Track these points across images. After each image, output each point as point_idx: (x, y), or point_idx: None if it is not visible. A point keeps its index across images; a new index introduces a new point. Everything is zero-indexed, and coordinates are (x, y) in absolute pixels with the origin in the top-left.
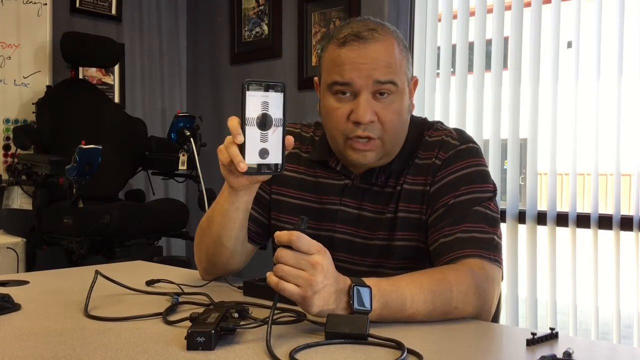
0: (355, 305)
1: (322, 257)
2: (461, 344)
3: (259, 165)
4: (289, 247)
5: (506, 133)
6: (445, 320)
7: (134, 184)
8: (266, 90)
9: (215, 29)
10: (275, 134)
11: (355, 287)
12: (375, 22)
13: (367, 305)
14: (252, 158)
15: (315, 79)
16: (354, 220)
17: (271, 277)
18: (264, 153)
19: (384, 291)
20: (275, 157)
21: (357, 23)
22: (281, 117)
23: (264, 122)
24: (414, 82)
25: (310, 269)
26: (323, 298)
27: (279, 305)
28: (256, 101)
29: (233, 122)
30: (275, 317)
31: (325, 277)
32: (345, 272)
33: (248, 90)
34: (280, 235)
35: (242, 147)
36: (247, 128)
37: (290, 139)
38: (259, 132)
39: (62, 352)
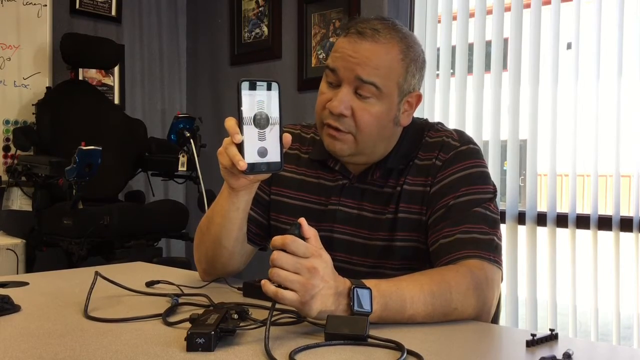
0: (355, 307)
1: (318, 261)
2: (461, 345)
3: (259, 163)
4: (284, 250)
5: (506, 134)
6: (445, 321)
7: (134, 185)
8: (260, 89)
9: (215, 30)
10: (272, 132)
11: (355, 289)
12: (385, 24)
13: (367, 307)
14: (251, 157)
15: None
16: (353, 220)
17: (269, 287)
18: (263, 151)
19: (384, 293)
20: (274, 155)
21: (367, 20)
22: (277, 114)
23: (261, 121)
24: (416, 97)
25: (306, 273)
26: (321, 301)
27: (278, 306)
28: (252, 100)
29: (230, 122)
30: (275, 318)
31: (322, 281)
32: (345, 272)
33: (243, 89)
34: (275, 239)
35: (240, 147)
36: (245, 127)
37: (287, 136)
38: (257, 131)
39: (62, 353)
